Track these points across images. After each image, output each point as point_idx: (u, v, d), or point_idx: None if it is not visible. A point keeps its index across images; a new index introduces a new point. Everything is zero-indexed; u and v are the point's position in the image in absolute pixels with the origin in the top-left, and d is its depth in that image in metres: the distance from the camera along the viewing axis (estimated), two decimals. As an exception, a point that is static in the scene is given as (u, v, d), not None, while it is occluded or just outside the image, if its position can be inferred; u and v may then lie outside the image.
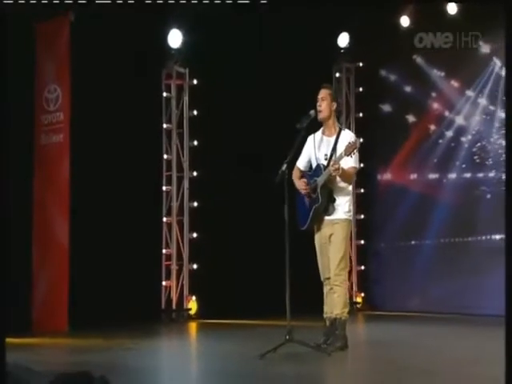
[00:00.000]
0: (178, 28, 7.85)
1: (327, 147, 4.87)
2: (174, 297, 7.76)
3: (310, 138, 5.03)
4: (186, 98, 7.99)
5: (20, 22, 6.63)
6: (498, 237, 8.27)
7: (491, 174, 8.34)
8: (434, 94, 8.99)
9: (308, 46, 8.45)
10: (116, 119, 7.25)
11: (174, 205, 7.86)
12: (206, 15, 7.48)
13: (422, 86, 9.02)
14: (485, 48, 8.57)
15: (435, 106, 8.99)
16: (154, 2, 7.10)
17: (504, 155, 8.42)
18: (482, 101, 8.50)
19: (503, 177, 8.21)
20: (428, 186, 8.97)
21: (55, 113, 6.95)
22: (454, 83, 8.82)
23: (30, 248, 7.06)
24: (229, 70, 7.91)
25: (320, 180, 4.76)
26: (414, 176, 9.18)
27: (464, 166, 8.59)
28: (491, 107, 8.44)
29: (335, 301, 4.85)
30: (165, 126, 7.93)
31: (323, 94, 4.98)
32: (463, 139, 8.67)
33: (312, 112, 4.92)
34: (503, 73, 8.35)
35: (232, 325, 7.52)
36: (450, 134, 8.80)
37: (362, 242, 9.30)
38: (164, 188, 7.88)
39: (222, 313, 7.56)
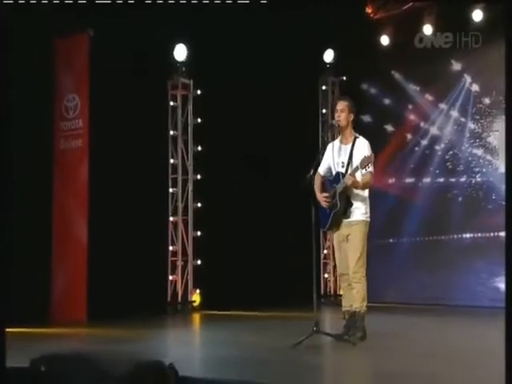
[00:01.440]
0: (184, 42, 8.08)
1: (344, 155, 4.95)
2: (180, 290, 7.97)
3: (329, 146, 5.17)
4: (190, 107, 8.19)
5: (38, 36, 6.84)
6: (468, 235, 8.79)
7: (462, 179, 8.84)
8: (410, 106, 9.44)
9: (297, 61, 8.76)
10: (128, 126, 7.44)
11: (180, 205, 8.05)
12: (209, 31, 7.78)
13: (400, 98, 9.46)
14: (456, 65, 9.08)
15: (411, 117, 9.45)
16: (162, 17, 7.43)
17: (473, 162, 8.97)
18: (454, 113, 9.00)
19: (473, 181, 8.77)
20: (405, 190, 9.40)
21: (74, 120, 7.14)
22: (429, 97, 9.27)
23: (49, 244, 7.22)
24: (229, 81, 8.15)
25: (338, 187, 4.87)
26: (392, 180, 9.58)
27: (437, 171, 9.05)
28: (462, 119, 8.95)
29: (354, 296, 4.91)
30: (171, 132, 8.11)
31: (342, 105, 5.06)
32: (437, 147, 9.14)
33: (334, 121, 5.13)
34: (473, 88, 8.91)
35: (234, 316, 7.76)
36: (424, 142, 9.26)
37: (346, 239, 9.67)
38: (170, 190, 8.07)
39: (224, 305, 7.82)
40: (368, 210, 4.97)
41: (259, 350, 4.84)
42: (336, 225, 4.96)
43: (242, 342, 5.49)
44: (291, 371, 3.98)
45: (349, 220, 4.90)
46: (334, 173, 5.03)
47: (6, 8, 3.57)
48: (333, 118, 9.64)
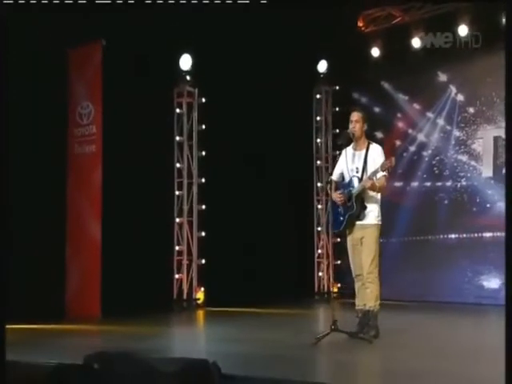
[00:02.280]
0: (189, 53, 8.26)
1: (358, 161, 5.03)
2: (185, 288, 8.14)
3: (343, 153, 5.20)
4: (195, 114, 8.37)
5: (52, 47, 6.96)
6: (453, 236, 9.09)
7: (448, 183, 9.15)
8: (399, 115, 9.73)
9: (294, 72, 9.00)
10: (137, 132, 7.61)
11: (185, 207, 8.22)
12: (212, 43, 7.98)
13: (389, 107, 9.74)
14: (442, 77, 9.41)
15: (400, 124, 9.73)
16: (169, 29, 7.60)
17: (459, 168, 9.27)
18: (440, 121, 9.29)
19: (458, 185, 9.09)
20: (394, 193, 9.51)
21: (88, 126, 7.29)
22: (417, 106, 9.56)
23: (63, 244, 7.35)
24: (231, 90, 8.36)
25: (355, 191, 4.95)
26: None
27: (425, 176, 9.34)
28: (448, 127, 9.26)
29: (368, 296, 4.98)
30: (177, 138, 8.29)
31: (356, 117, 5.15)
32: (424, 153, 9.42)
33: (349, 131, 5.14)
34: (458, 98, 9.23)
35: (236, 312, 7.92)
36: (412, 148, 9.54)
37: (338, 239, 9.89)
38: (177, 193, 8.25)
39: (226, 302, 7.96)
40: (380, 214, 5.07)
41: (277, 347, 4.89)
42: (350, 226, 5.03)
43: (256, 338, 5.57)
44: (318, 368, 4.10)
45: (362, 223, 4.98)
46: (346, 178, 5.11)
47: (5, 8, 3.66)
48: (326, 125, 10.11)
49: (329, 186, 5.28)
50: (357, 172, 5.00)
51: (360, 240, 5.01)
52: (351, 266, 5.19)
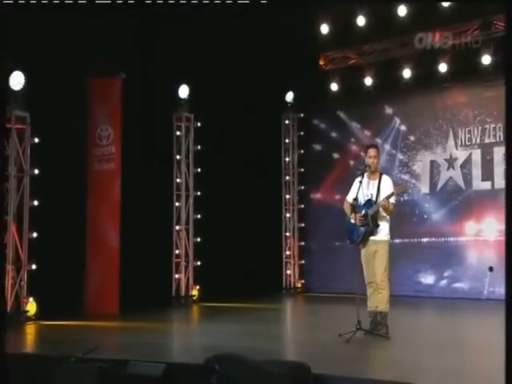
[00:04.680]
0: (186, 83, 8.69)
1: (372, 188, 5.42)
2: (183, 286, 8.53)
3: (357, 180, 5.54)
4: (191, 136, 8.83)
5: (73, 76, 7.18)
6: (397, 240, 9.73)
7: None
8: (352, 139, 10.59)
9: (267, 101, 9.70)
10: (145, 151, 7.98)
11: (183, 216, 8.67)
12: (206, 76, 8.46)
13: (344, 133, 10.62)
14: (388, 110, 10.37)
15: (353, 147, 10.57)
16: (169, 65, 8.01)
17: (402, 185, 10.21)
18: (387, 146, 10.22)
19: (401, 200, 10.00)
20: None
21: (107, 146, 7.56)
22: (367, 133, 10.47)
23: (83, 249, 7.52)
24: (222, 115, 8.90)
25: (370, 211, 5.33)
26: (338, 196, 10.29)
27: None
28: (393, 151, 10.21)
29: (380, 299, 5.28)
30: (177, 157, 8.74)
31: (374, 152, 5.51)
32: None
33: (367, 163, 5.49)
34: (402, 128, 10.23)
35: (226, 307, 8.36)
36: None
37: (302, 243, 10.65)
38: (176, 204, 8.66)
39: (217, 298, 8.50)
40: (389, 231, 5.41)
41: (307, 344, 5.21)
42: (364, 241, 5.38)
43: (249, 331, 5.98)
44: (356, 363, 4.29)
45: (375, 238, 5.34)
46: (361, 201, 5.45)
47: (5, 8, 3.84)
48: (293, 146, 10.78)
49: (345, 206, 5.67)
50: (371, 197, 5.40)
51: (373, 253, 5.36)
52: (364, 273, 5.46)
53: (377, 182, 5.46)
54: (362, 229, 5.38)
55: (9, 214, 6.55)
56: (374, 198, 5.38)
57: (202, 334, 6.45)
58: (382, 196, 5.34)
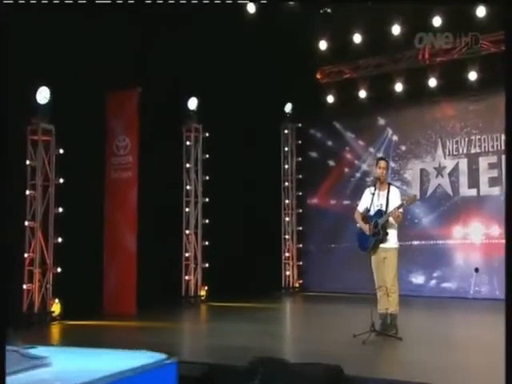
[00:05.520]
0: (195, 96, 8.94)
1: (382, 198, 5.59)
2: (192, 287, 8.78)
3: (367, 191, 5.77)
4: (200, 146, 9.09)
5: (93, 90, 7.40)
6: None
7: (385, 202, 10.42)
8: (347, 148, 10.92)
9: (268, 112, 10.01)
10: (159, 160, 8.18)
11: (192, 221, 8.92)
12: (213, 89, 8.72)
13: (339, 142, 10.94)
14: (381, 121, 10.74)
15: (348, 156, 10.92)
16: (182, 81, 8.26)
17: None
18: (380, 155, 10.41)
19: (394, 204, 10.39)
20: (343, 208, 10.64)
21: (124, 156, 7.76)
22: (361, 142, 10.83)
23: (101, 252, 7.72)
24: (228, 126, 9.18)
25: (381, 220, 5.49)
26: (333, 201, 10.95)
27: None
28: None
29: (391, 302, 5.46)
30: (187, 165, 8.99)
31: (384, 164, 5.70)
32: (367, 179, 10.56)
33: (377, 175, 5.68)
34: (393, 138, 10.60)
35: (232, 307, 8.58)
36: (358, 175, 10.77)
37: (300, 245, 10.95)
38: (186, 209, 8.91)
39: (224, 298, 8.76)
40: (397, 239, 5.63)
41: (321, 343, 5.33)
42: (375, 248, 5.55)
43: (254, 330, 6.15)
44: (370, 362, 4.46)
45: (385, 246, 5.52)
46: (371, 211, 5.61)
47: (5, 7, 4.08)
48: (291, 154, 11.08)
49: (356, 215, 5.86)
50: (381, 207, 5.60)
51: (383, 259, 5.54)
52: (375, 278, 5.63)
53: (386, 192, 5.65)
54: (373, 237, 5.54)
55: (36, 221, 6.75)
56: (383, 208, 5.56)
57: (215, 333, 6.54)
58: (391, 206, 5.53)
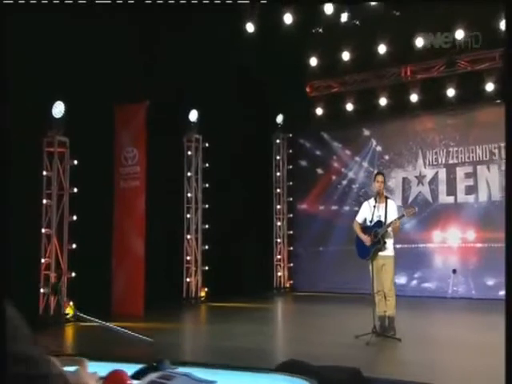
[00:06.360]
0: (196, 109, 9.20)
1: (381, 210, 5.84)
2: (193, 289, 9.04)
3: (366, 204, 6.03)
4: (200, 156, 9.35)
5: (104, 104, 7.60)
6: None
7: (370, 208, 10.84)
8: (334, 157, 11.31)
9: (260, 123, 10.32)
10: (163, 169, 8.43)
11: (192, 227, 9.16)
12: (212, 103, 9.00)
13: (327, 151, 11.32)
14: (366, 132, 11.14)
15: (335, 164, 11.30)
16: (183, 95, 8.52)
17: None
18: (365, 164, 11.01)
19: (378, 210, 10.82)
20: (331, 214, 11.16)
21: (132, 166, 7.96)
22: (348, 152, 11.22)
23: (110, 256, 7.92)
24: (226, 137, 9.45)
25: (380, 231, 5.74)
26: (322, 207, 11.31)
27: (354, 202, 10.90)
28: (370, 168, 10.96)
29: (389, 305, 5.69)
30: (188, 174, 9.23)
31: (382, 178, 5.98)
32: (353, 186, 11.10)
33: (376, 189, 5.96)
34: (377, 148, 11.01)
35: (229, 307, 8.84)
36: (344, 182, 11.17)
37: (291, 248, 11.28)
38: (187, 215, 9.15)
39: (222, 298, 9.05)
40: (393, 248, 5.90)
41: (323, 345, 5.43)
42: (374, 256, 5.78)
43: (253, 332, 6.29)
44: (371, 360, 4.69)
45: (383, 254, 5.78)
46: (368, 223, 5.88)
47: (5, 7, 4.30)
48: (283, 162, 11.41)
49: (355, 225, 6.11)
50: (380, 218, 5.85)
51: (382, 266, 5.79)
52: (373, 283, 5.77)
53: (384, 205, 5.92)
54: (373, 246, 5.78)
55: (51, 228, 6.93)
56: (382, 219, 5.82)
57: (218, 334, 6.61)
58: (390, 217, 5.79)
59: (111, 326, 2.40)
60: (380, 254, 5.81)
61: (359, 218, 6.10)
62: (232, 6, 7.36)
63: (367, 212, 6.00)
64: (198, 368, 1.45)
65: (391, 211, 5.91)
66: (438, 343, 5.81)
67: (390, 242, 5.89)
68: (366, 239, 5.85)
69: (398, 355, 5.27)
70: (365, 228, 5.97)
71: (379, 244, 5.78)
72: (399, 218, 5.78)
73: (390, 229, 5.83)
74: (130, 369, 1.42)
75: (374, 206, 5.88)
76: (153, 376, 1.35)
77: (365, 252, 5.89)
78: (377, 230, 5.82)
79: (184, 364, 1.51)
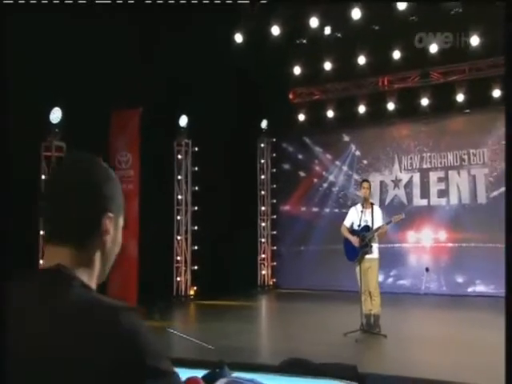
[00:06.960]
0: (186, 114, 9.36)
1: (368, 215, 6.06)
2: (183, 287, 9.20)
3: (353, 209, 6.24)
4: (190, 159, 9.51)
5: (99, 109, 7.69)
6: None
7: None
8: (316, 161, 11.57)
9: (246, 128, 10.54)
10: (155, 173, 8.56)
11: (182, 228, 9.31)
12: (201, 109, 9.16)
13: (309, 156, 11.58)
14: (346, 138, 11.46)
15: (317, 168, 11.57)
16: (171, 100, 8.68)
17: (356, 200, 11.41)
18: (344, 168, 11.32)
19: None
20: (312, 215, 11.42)
21: (126, 170, 8.07)
22: (328, 156, 11.52)
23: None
24: (214, 141, 9.61)
25: (368, 234, 5.96)
26: (303, 208, 11.57)
27: (334, 204, 11.28)
28: (350, 172, 11.30)
29: (374, 304, 5.91)
30: (178, 177, 9.38)
31: (367, 185, 6.23)
32: (333, 189, 11.40)
33: (362, 194, 6.19)
34: (357, 153, 11.33)
35: (218, 305, 8.99)
36: (325, 185, 11.46)
37: (274, 247, 11.53)
38: (178, 217, 9.29)
39: (210, 296, 9.22)
40: (378, 251, 6.15)
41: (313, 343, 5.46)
42: (361, 259, 5.98)
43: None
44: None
45: (369, 256, 6.01)
46: (358, 226, 6.08)
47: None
48: (267, 166, 11.65)
49: (342, 229, 6.32)
50: (367, 223, 6.08)
51: (367, 268, 6.02)
52: (360, 284, 5.96)
53: (370, 210, 6.15)
54: (361, 249, 6.01)
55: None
56: (369, 224, 6.05)
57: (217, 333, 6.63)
58: (376, 223, 6.05)
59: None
60: (366, 256, 6.02)
61: (347, 222, 6.29)
62: (232, 6, 7.53)
63: (355, 216, 6.20)
64: (250, 372, 1.45)
65: (377, 217, 6.17)
66: (421, 339, 5.98)
67: (375, 246, 6.13)
68: (355, 240, 6.06)
69: (388, 351, 5.48)
70: (352, 232, 6.19)
71: (366, 247, 6.00)
72: (387, 224, 6.02)
73: (376, 233, 6.05)
74: (184, 373, 1.32)
75: (362, 212, 6.10)
76: (222, 382, 1.31)
77: (353, 254, 6.11)
78: (364, 233, 6.04)
79: (241, 368, 1.50)
